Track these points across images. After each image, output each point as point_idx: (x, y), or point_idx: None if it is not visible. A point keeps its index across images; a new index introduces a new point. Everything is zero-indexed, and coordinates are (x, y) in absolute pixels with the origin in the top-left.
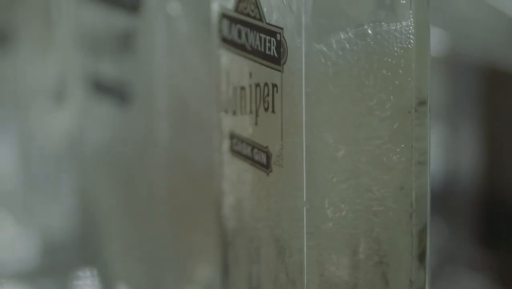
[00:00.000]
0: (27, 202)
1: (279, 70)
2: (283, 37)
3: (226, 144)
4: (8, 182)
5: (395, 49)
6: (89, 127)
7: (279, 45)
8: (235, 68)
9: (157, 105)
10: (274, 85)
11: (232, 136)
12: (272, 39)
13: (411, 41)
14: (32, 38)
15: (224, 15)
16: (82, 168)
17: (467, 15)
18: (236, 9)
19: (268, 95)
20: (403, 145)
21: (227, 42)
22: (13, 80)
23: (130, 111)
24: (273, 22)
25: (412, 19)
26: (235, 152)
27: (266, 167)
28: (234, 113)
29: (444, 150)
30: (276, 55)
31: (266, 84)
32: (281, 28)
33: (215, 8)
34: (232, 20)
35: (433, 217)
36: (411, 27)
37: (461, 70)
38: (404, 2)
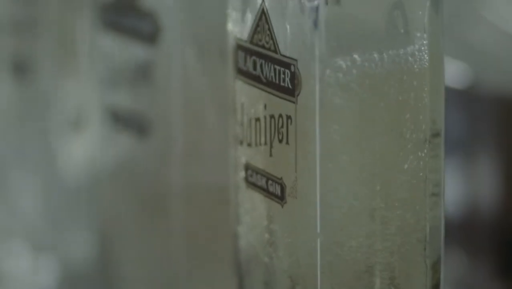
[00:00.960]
0: (46, 232)
1: (293, 102)
2: (297, 68)
3: (241, 175)
4: (28, 212)
5: (409, 81)
6: (107, 156)
7: (293, 76)
8: (250, 99)
9: (173, 135)
10: (288, 117)
11: (247, 167)
12: (287, 70)
13: (426, 74)
14: (53, 68)
15: (239, 47)
16: (101, 196)
17: (487, 47)
18: (251, 41)
19: (282, 126)
20: (417, 176)
21: (243, 73)
22: (34, 110)
23: (147, 141)
24: (287, 53)
25: (426, 51)
26: (250, 183)
27: (280, 198)
28: (249, 144)
29: (463, 180)
30: (290, 86)
31: (280, 115)
32: (295, 60)
33: (231, 39)
34: (247, 52)
35: (452, 248)
36: (426, 62)
37: (480, 101)
38: (419, 34)
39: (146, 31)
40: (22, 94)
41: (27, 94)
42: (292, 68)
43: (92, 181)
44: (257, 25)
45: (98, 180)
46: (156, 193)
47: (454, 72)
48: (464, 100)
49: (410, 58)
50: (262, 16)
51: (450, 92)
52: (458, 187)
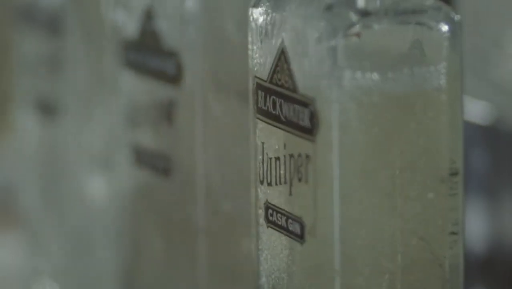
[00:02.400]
0: (72, 270)
1: (312, 141)
2: (316, 107)
3: (262, 214)
4: (56, 252)
5: (427, 119)
6: (133, 194)
7: (312, 115)
8: (270, 138)
9: (196, 173)
10: (307, 156)
11: (268, 206)
12: (306, 109)
13: (443, 112)
14: (77, 106)
15: (259, 86)
16: (126, 233)
17: (510, 84)
18: (271, 80)
19: (301, 165)
20: (435, 214)
21: (263, 113)
22: (60, 148)
23: (171, 179)
24: (307, 92)
25: (444, 89)
26: (271, 222)
27: (300, 237)
28: (269, 184)
29: (487, 217)
30: (309, 125)
31: (299, 154)
32: (314, 99)
33: (251, 79)
34: (267, 91)
35: (475, 286)
36: (444, 101)
37: (504, 139)
38: (436, 72)
39: (169, 71)
40: (48, 133)
41: (53, 133)
42: (311, 107)
43: (118, 218)
44: (277, 65)
45: (124, 217)
46: (180, 229)
47: (478, 109)
48: (487, 137)
49: (428, 96)
50: (281, 56)
51: (474, 129)
52: (482, 224)
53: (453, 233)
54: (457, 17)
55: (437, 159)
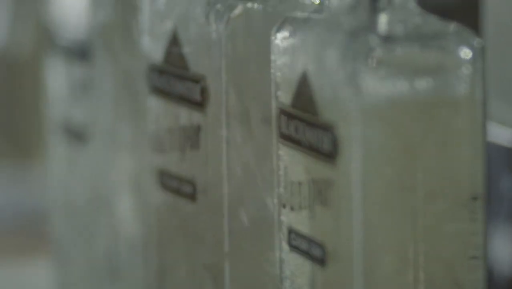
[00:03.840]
0: None
1: (334, 165)
2: (338, 132)
3: (285, 238)
4: (82, 273)
5: (449, 145)
6: (163, 219)
7: (334, 140)
8: (293, 163)
9: (222, 198)
10: (329, 181)
11: (290, 231)
12: (328, 134)
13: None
14: (106, 132)
15: (282, 111)
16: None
17: None
18: (294, 105)
19: (323, 190)
20: (455, 238)
21: (285, 138)
22: (88, 174)
23: (199, 203)
24: (329, 116)
25: (466, 116)
26: (293, 247)
27: (322, 261)
28: (292, 208)
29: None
30: (331, 150)
31: (321, 179)
32: (336, 123)
33: (274, 104)
34: (290, 116)
35: None
36: (465, 128)
37: None
38: (459, 98)
39: (194, 96)
40: (77, 159)
41: (82, 158)
42: (333, 131)
43: (145, 242)
44: (299, 90)
45: (151, 240)
46: (206, 253)
47: (506, 133)
48: None
49: (449, 121)
50: (303, 81)
51: (502, 153)
52: (506, 248)
53: (474, 258)
54: (478, 42)
55: (458, 184)
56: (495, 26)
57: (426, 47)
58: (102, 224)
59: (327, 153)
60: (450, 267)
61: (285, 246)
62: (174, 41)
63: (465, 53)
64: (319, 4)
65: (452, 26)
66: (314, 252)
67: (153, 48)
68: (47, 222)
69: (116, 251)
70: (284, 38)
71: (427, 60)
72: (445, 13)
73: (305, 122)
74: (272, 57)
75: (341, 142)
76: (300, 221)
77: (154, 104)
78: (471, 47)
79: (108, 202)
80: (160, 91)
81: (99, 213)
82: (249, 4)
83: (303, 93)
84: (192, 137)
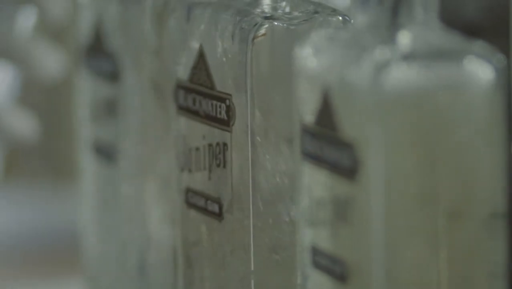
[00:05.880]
0: None
1: (355, 182)
2: (359, 149)
3: (307, 257)
4: None
5: (467, 162)
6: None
7: (354, 158)
8: (314, 181)
9: (246, 214)
10: (350, 198)
11: (314, 249)
12: (347, 151)
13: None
14: (135, 151)
15: (304, 130)
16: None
17: None
18: (318, 122)
19: (344, 207)
20: (477, 256)
21: (310, 156)
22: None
23: (223, 224)
24: (351, 134)
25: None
26: (315, 263)
27: (343, 278)
28: (314, 225)
29: None
30: (352, 167)
31: (343, 196)
32: (357, 141)
33: (296, 123)
34: (313, 135)
35: None
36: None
37: None
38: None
39: (221, 115)
40: (107, 177)
41: (112, 176)
42: (354, 150)
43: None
44: (322, 108)
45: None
46: (232, 272)
47: None
48: None
49: (469, 138)
50: (327, 99)
51: None
52: None
53: (494, 275)
54: (500, 61)
55: (479, 201)
56: None
57: (446, 64)
58: (134, 242)
59: (347, 170)
60: (470, 284)
61: (308, 263)
62: (200, 60)
63: (486, 71)
64: (342, 22)
65: (474, 44)
66: (335, 268)
67: (179, 67)
68: (80, 240)
69: (147, 269)
70: (308, 56)
71: (447, 77)
72: (475, 32)
73: (325, 141)
74: (296, 75)
75: (362, 159)
76: (322, 238)
77: (181, 123)
78: (492, 65)
79: (139, 219)
80: (187, 110)
81: (131, 231)
82: (274, 23)
83: (326, 111)
84: (218, 156)
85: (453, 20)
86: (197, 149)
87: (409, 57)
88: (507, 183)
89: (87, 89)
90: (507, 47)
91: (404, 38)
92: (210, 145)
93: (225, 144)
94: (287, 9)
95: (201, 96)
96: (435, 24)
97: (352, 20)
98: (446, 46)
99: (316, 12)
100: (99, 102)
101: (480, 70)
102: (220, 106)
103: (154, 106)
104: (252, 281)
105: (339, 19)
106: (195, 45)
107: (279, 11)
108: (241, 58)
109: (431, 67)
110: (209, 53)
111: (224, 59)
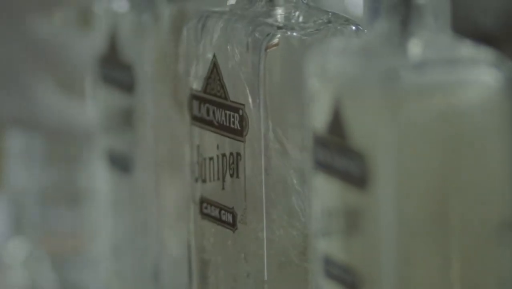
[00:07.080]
0: None
1: (365, 190)
2: (371, 159)
3: (320, 267)
4: None
5: (476, 171)
6: (200, 247)
7: (365, 169)
8: (327, 191)
9: (260, 228)
10: (361, 208)
11: (326, 259)
12: (357, 162)
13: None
14: (148, 162)
15: (316, 139)
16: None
17: None
18: (330, 132)
19: (355, 219)
20: (487, 265)
21: (322, 164)
22: (133, 203)
23: (237, 233)
24: (363, 144)
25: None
26: (327, 273)
27: (354, 288)
28: (327, 235)
29: None
30: (364, 176)
31: (353, 206)
32: (368, 153)
33: (310, 131)
34: (324, 145)
35: None
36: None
37: None
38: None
39: (234, 124)
40: (121, 188)
41: (126, 188)
42: (364, 159)
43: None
44: (333, 117)
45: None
46: (246, 281)
47: None
48: None
49: (478, 146)
50: (338, 108)
51: None
52: None
53: (505, 284)
54: (511, 69)
55: (490, 211)
56: None
57: (457, 72)
58: (148, 252)
59: (359, 179)
60: None
61: (320, 273)
62: (214, 70)
63: (496, 79)
64: (355, 32)
65: (485, 52)
66: (347, 278)
67: (193, 77)
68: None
69: (162, 279)
70: (319, 65)
71: (457, 85)
72: (490, 40)
73: (337, 151)
74: (308, 84)
75: (373, 168)
76: (334, 248)
77: (195, 133)
78: (502, 74)
79: (153, 229)
80: (201, 120)
81: (145, 241)
82: (287, 33)
83: (337, 119)
84: (231, 166)
85: (466, 28)
86: (211, 158)
87: (420, 65)
88: None
89: (101, 98)
90: None
91: (415, 47)
92: (223, 155)
93: (238, 154)
94: (300, 19)
95: (214, 106)
96: (446, 32)
97: (365, 30)
98: (456, 54)
99: (329, 22)
100: (114, 113)
101: (490, 78)
102: (233, 116)
103: (169, 117)
104: None
105: (352, 28)
106: (209, 55)
107: (292, 21)
108: (254, 68)
109: (442, 76)
110: (222, 63)
111: (237, 69)
